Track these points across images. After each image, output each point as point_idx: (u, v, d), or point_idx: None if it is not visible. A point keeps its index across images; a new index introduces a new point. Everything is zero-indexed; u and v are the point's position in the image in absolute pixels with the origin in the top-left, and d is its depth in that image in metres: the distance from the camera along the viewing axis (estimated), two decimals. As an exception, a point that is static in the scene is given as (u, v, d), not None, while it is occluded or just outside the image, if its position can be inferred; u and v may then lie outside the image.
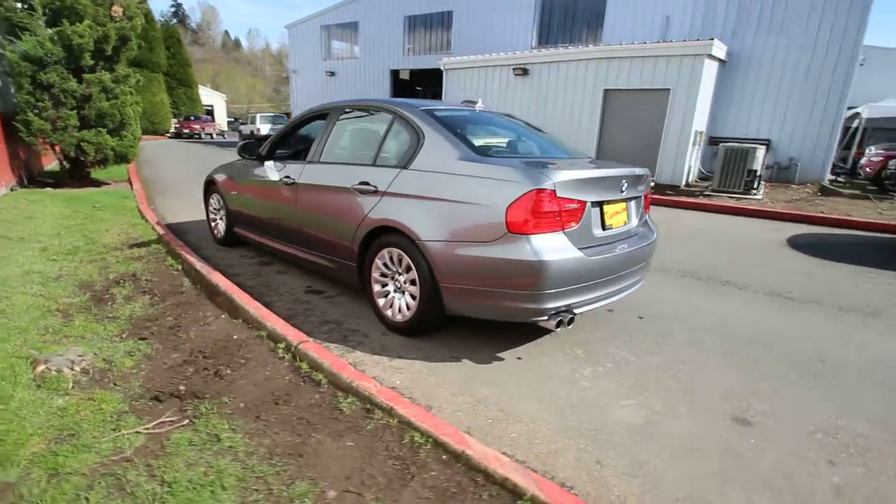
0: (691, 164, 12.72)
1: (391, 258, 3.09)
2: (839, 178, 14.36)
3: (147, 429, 2.01)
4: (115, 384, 2.38)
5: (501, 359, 2.88)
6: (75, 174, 7.62)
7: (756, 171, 10.30)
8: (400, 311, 3.10)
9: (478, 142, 3.00)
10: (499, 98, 15.48)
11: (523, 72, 14.75)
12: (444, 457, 1.85)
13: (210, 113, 37.07)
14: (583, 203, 2.68)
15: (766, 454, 2.10)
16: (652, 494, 1.83)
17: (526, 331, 3.20)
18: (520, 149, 3.42)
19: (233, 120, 47.08)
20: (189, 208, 7.01)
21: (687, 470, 1.98)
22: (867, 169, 13.53)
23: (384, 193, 3.07)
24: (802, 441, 2.21)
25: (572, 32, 17.16)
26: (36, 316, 3.02)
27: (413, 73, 22.30)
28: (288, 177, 3.85)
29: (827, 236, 6.67)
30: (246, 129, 23.10)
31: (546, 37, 17.60)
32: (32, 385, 2.26)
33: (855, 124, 16.59)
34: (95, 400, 2.20)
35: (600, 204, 2.83)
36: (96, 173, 8.26)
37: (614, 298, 3.00)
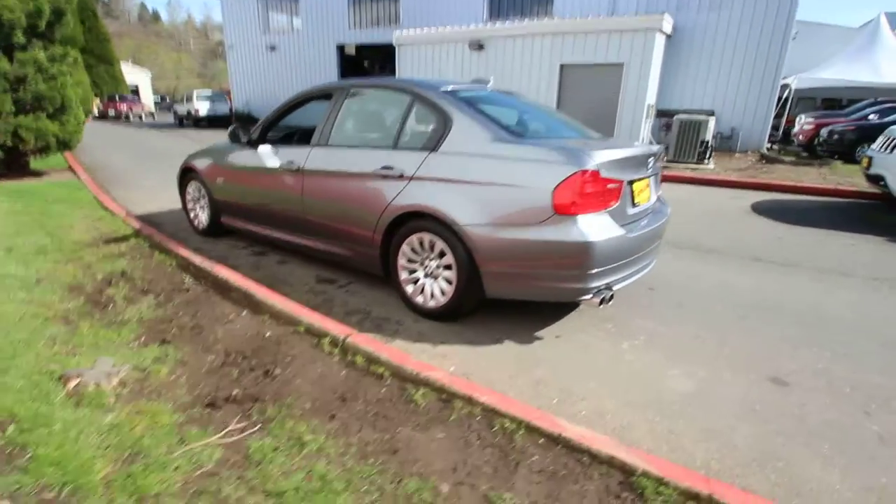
0: (644, 137, 13.21)
1: (421, 244, 3.02)
2: (774, 146, 15.43)
3: (219, 439, 1.89)
4: (158, 394, 2.21)
5: (541, 338, 2.92)
6: (12, 165, 6.83)
7: (708, 141, 10.86)
8: (433, 296, 3.06)
9: (507, 123, 2.96)
10: (454, 73, 15.29)
11: (479, 46, 14.62)
12: (540, 441, 1.87)
13: (135, 92, 34.26)
14: (621, 182, 2.73)
15: (810, 410, 2.28)
16: (731, 457, 1.95)
17: (553, 308, 3.26)
18: (541, 128, 3.40)
19: (160, 99, 43.73)
20: (148, 198, 6.50)
21: (750, 431, 2.12)
22: (800, 136, 14.63)
23: (411, 178, 2.98)
24: (836, 395, 2.41)
25: (523, 5, 17.12)
26: (36, 326, 2.72)
27: (361, 47, 21.53)
28: (291, 162, 3.64)
29: (784, 202, 7.18)
30: (182, 108, 21.61)
31: (497, 9, 17.46)
32: (69, 403, 2.05)
33: (785, 94, 17.80)
34: (146, 413, 2.03)
35: (631, 182, 2.89)
36: (35, 163, 7.45)
37: (642, 273, 3.10)
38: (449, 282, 2.97)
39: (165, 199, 6.39)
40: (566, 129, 3.45)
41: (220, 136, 16.76)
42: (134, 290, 3.40)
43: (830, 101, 22.14)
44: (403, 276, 3.17)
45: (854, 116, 14.37)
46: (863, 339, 3.00)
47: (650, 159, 3.03)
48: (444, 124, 2.95)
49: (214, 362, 2.50)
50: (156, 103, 40.56)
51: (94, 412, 2.01)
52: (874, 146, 6.55)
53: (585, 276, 2.60)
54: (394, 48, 16.42)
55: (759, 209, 6.70)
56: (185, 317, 3.01)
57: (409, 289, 3.16)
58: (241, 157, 4.12)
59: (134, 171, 8.96)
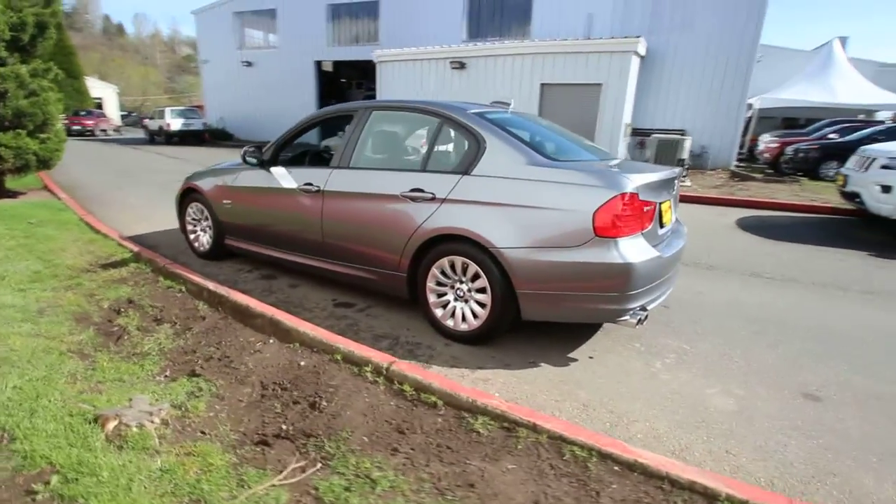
0: (622, 155, 13.60)
1: (452, 266, 3.01)
2: (740, 164, 16.13)
3: (281, 480, 1.81)
4: (202, 433, 2.10)
5: (575, 359, 2.93)
6: (-14, 185, 6.48)
7: (685, 159, 11.27)
8: (464, 319, 3.03)
9: (537, 145, 3.00)
10: (436, 92, 15.45)
11: (460, 65, 14.83)
12: (615, 468, 1.86)
13: (100, 106, 33.18)
14: (655, 204, 2.80)
15: (849, 424, 2.35)
16: (790, 475, 1.98)
17: (577, 328, 3.28)
18: (567, 150, 3.43)
19: (127, 114, 42.46)
20: (136, 218, 6.27)
21: (800, 447, 2.17)
22: (766, 154, 15.32)
23: (444, 200, 2.97)
24: (865, 408, 2.49)
25: (501, 26, 17.49)
26: (51, 361, 2.56)
27: (339, 64, 21.54)
28: (309, 184, 3.58)
29: (765, 218, 7.49)
30: (153, 124, 21.02)
31: (476, 30, 17.78)
32: (111, 447, 1.92)
33: (749, 114, 18.69)
34: (196, 454, 1.92)
35: (660, 204, 2.96)
36: (11, 182, 7.08)
37: (669, 292, 3.16)
38: (482, 305, 2.96)
39: (156, 219, 6.17)
40: (588, 152, 3.50)
41: (194, 153, 16.43)
42: (146, 318, 3.24)
43: (790, 121, 23.35)
44: (432, 299, 3.14)
45: (816, 135, 15.19)
46: (872, 351, 3.12)
47: (675, 181, 3.11)
48: (477, 147, 2.96)
49: (252, 395, 2.40)
50: (123, 117, 39.36)
51: (140, 456, 1.89)
52: (849, 165, 6.92)
53: (625, 298, 2.64)
54: (373, 65, 16.50)
55: (744, 225, 6.96)
56: (209, 347, 2.88)
57: (439, 312, 3.13)
58: (253, 178, 4.03)
59: (114, 189, 8.63)
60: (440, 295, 3.13)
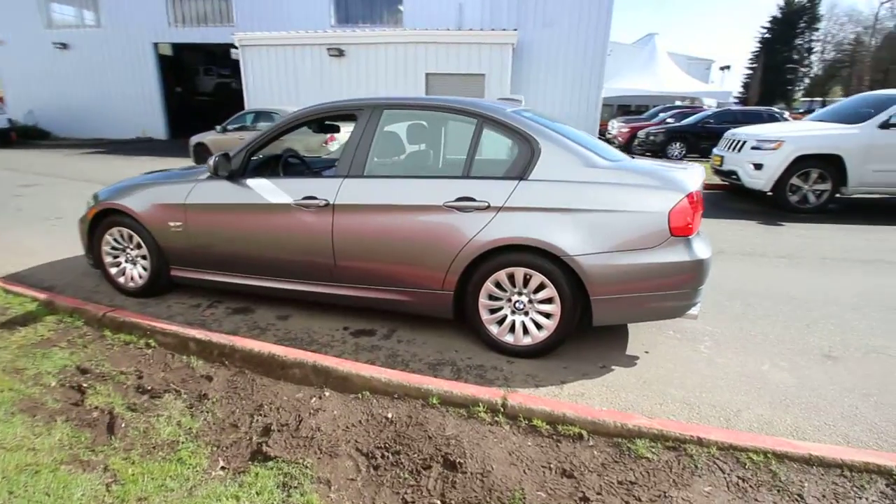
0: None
1: (511, 279, 2.80)
2: (600, 147, 18.06)
3: (502, 572, 1.49)
4: (346, 535, 1.63)
5: (636, 356, 2.96)
6: None
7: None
8: (527, 333, 2.86)
9: (586, 146, 2.90)
10: (312, 80, 14.45)
11: (339, 52, 14.04)
12: (794, 465, 1.89)
13: None
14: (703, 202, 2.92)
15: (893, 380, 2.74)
16: (890, 435, 2.24)
17: (608, 327, 3.28)
18: (601, 149, 3.34)
19: None
20: (-12, 251, 4.74)
21: (866, 406, 2.46)
22: (619, 139, 17.37)
23: (500, 209, 2.73)
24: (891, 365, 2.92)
25: (372, 12, 16.91)
26: (52, 485, 1.76)
27: (183, 47, 18.82)
28: (311, 198, 3.02)
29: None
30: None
31: (345, 14, 16.93)
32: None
33: (597, 102, 21.02)
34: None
35: None
36: None
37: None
38: (547, 316, 2.81)
39: (22, 249, 4.73)
40: (610, 150, 3.45)
41: (4, 158, 12.90)
42: (128, 392, 2.44)
43: (623, 108, 26.83)
44: (486, 315, 2.90)
45: (655, 120, 17.64)
46: (863, 313, 3.60)
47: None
48: (531, 150, 2.77)
49: (362, 470, 1.95)
50: None
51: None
52: (721, 147, 8.14)
53: (695, 293, 2.72)
54: (224, 48, 14.75)
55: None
56: (251, 416, 2.27)
57: (494, 329, 2.90)
58: (217, 193, 3.27)
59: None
60: (493, 310, 2.90)
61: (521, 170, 2.77)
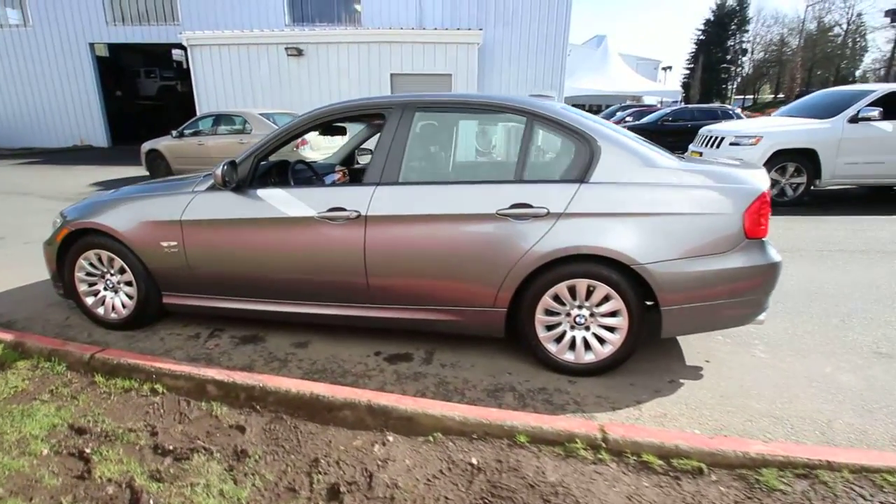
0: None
1: (571, 292, 2.55)
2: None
3: None
4: None
5: (699, 367, 2.79)
6: None
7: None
8: (589, 349, 2.62)
9: (643, 145, 2.70)
10: (269, 81, 13.75)
11: (297, 52, 13.42)
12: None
13: None
14: (761, 199, 2.78)
15: (939, 374, 2.70)
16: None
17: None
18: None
19: None
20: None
21: (947, 407, 2.39)
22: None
23: (560, 216, 2.47)
24: (928, 355, 2.91)
25: (329, 11, 16.31)
26: None
27: (122, 48, 17.47)
28: (339, 209, 2.65)
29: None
30: None
31: (300, 13, 16.25)
32: None
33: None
34: None
35: None
36: None
37: None
38: (611, 330, 2.58)
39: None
40: (659, 148, 3.28)
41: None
42: (143, 456, 2.00)
43: (578, 107, 27.40)
44: (542, 333, 2.64)
45: (613, 119, 18.04)
46: (868, 304, 3.65)
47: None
48: (590, 150, 2.53)
49: (466, 533, 1.63)
50: None
51: None
52: (698, 144, 8.28)
53: (766, 298, 2.58)
54: (166, 49, 13.79)
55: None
56: (307, 475, 1.89)
57: (552, 347, 2.65)
58: (223, 207, 2.84)
59: None
60: (549, 326, 2.64)
61: (580, 172, 2.53)
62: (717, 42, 48.68)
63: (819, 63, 45.88)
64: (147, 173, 9.96)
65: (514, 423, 2.03)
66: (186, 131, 9.57)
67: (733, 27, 49.25)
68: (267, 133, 2.92)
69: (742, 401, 2.44)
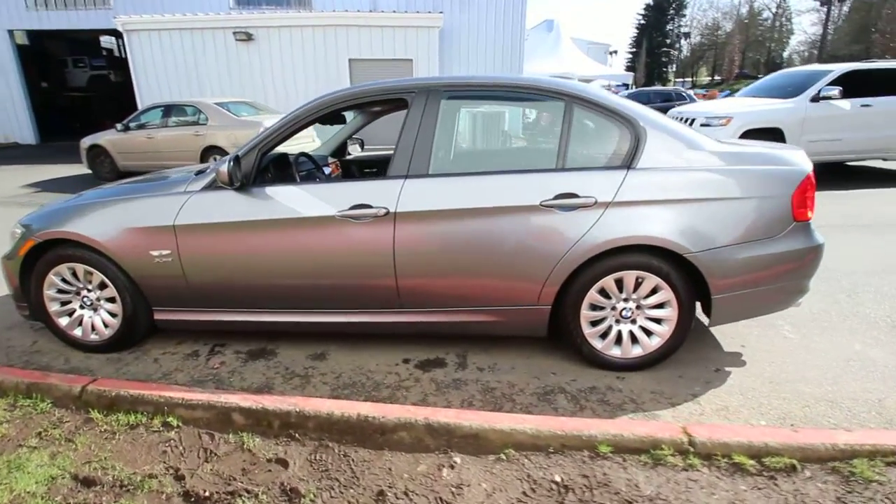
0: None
1: (618, 285, 2.42)
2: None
3: None
4: None
5: (739, 353, 2.75)
6: None
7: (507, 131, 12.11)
8: (636, 343, 2.51)
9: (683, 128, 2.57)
10: (217, 68, 12.87)
11: (247, 37, 12.60)
12: None
13: None
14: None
15: (958, 344, 2.79)
16: None
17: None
18: None
19: None
20: None
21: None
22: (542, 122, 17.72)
23: (608, 205, 2.32)
24: (941, 326, 3.00)
25: (277, -5, 15.39)
26: None
27: (46, 35, 15.86)
28: (364, 206, 2.38)
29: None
30: None
31: (246, -2, 15.24)
32: None
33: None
34: None
35: None
36: None
37: None
38: (658, 322, 2.48)
39: None
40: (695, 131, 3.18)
41: None
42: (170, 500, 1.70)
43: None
44: (587, 329, 2.50)
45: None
46: (869, 277, 3.77)
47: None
48: (635, 134, 2.38)
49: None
50: None
51: None
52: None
53: (810, 279, 2.55)
54: (94, 36, 12.64)
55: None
56: (377, 510, 1.67)
57: (598, 343, 2.52)
58: (225, 208, 2.50)
59: None
60: (595, 322, 2.51)
61: (626, 158, 2.38)
62: (656, 26, 50.25)
63: (752, 46, 48.43)
64: (90, 171, 9.08)
65: (592, 433, 1.88)
66: (132, 124, 8.76)
67: (671, 11, 51.00)
68: (253, 126, 2.59)
69: (793, 386, 2.41)
